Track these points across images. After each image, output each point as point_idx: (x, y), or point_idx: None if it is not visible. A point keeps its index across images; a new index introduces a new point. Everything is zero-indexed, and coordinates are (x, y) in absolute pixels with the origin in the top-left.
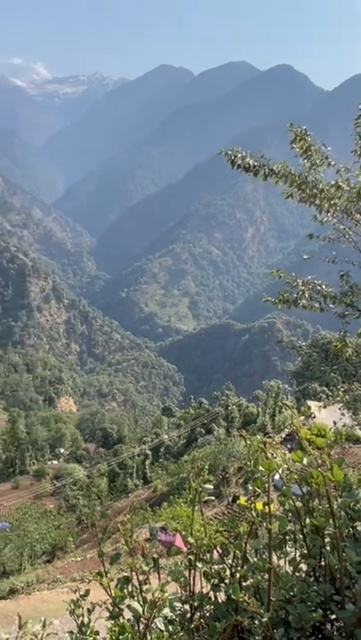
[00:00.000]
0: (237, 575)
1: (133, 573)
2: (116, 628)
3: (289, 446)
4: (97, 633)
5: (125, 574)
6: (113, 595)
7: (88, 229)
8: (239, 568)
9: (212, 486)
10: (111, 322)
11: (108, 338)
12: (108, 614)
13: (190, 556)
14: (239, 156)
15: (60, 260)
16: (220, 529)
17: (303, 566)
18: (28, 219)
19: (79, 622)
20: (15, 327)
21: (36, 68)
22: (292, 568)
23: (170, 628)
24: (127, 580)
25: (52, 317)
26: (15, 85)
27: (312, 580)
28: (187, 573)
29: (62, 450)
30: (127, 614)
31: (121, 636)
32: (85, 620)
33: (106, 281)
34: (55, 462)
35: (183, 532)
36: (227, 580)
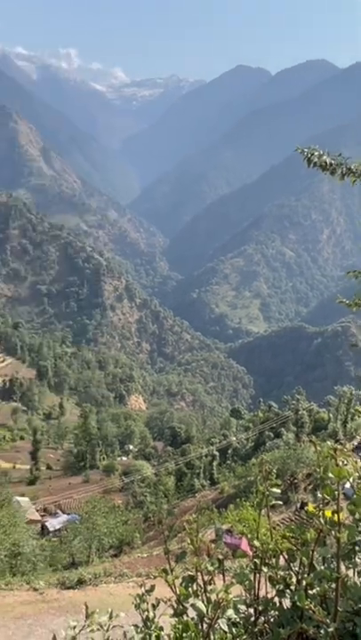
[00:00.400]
0: (304, 582)
1: (198, 573)
2: (180, 626)
3: None
4: (161, 629)
5: (190, 573)
6: (178, 592)
7: (162, 230)
8: (306, 575)
9: (279, 491)
10: (182, 322)
11: (179, 338)
12: (172, 611)
13: (256, 560)
14: (316, 153)
15: (134, 260)
16: (287, 535)
17: None
18: (104, 219)
19: (144, 617)
20: (89, 325)
21: (114, 72)
22: None
23: (233, 630)
24: (192, 579)
25: (124, 316)
26: (95, 90)
27: None
28: (252, 577)
29: (131, 447)
30: (191, 613)
31: (184, 634)
32: (150, 615)
33: (177, 281)
34: (124, 458)
35: (249, 536)
36: (292, 587)
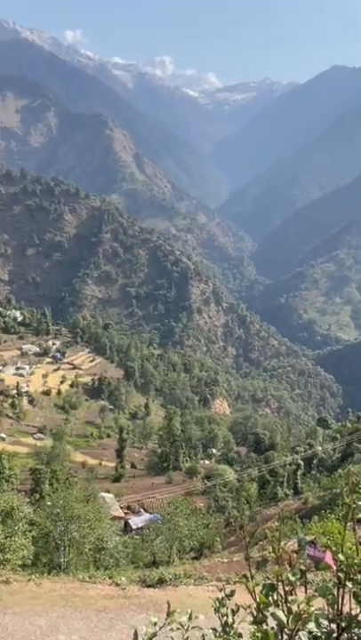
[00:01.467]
0: None
1: (280, 582)
2: (260, 634)
3: None
4: (240, 635)
5: (272, 582)
6: (258, 600)
7: (250, 234)
8: None
9: None
10: (268, 327)
11: (265, 343)
12: (251, 618)
13: (340, 574)
14: None
15: (221, 264)
16: None
17: None
18: (193, 223)
19: (223, 621)
20: (176, 328)
21: (208, 77)
22: None
23: None
24: (273, 588)
25: (210, 320)
26: (188, 96)
27: None
28: (335, 591)
29: (214, 450)
30: (270, 622)
31: None
32: (229, 620)
33: (265, 286)
34: (207, 462)
35: (334, 549)
36: None
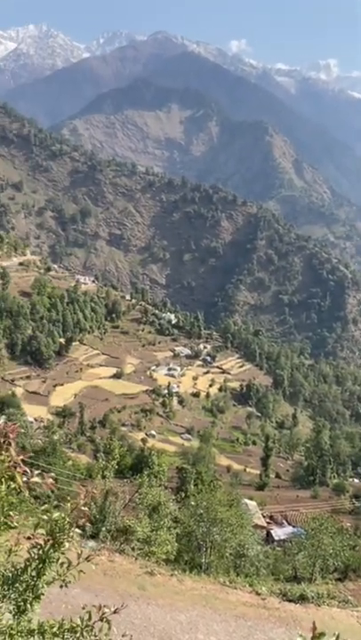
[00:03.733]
0: None
1: None
2: None
3: None
4: None
5: None
6: None
7: None
8: None
9: None
10: None
11: None
12: None
13: None
14: None
15: None
16: None
17: None
18: (352, 230)
19: None
20: (329, 338)
21: None
22: None
23: None
24: None
25: None
26: (353, 98)
27: None
28: None
29: None
30: None
31: None
32: None
33: None
34: (356, 480)
35: None
36: None
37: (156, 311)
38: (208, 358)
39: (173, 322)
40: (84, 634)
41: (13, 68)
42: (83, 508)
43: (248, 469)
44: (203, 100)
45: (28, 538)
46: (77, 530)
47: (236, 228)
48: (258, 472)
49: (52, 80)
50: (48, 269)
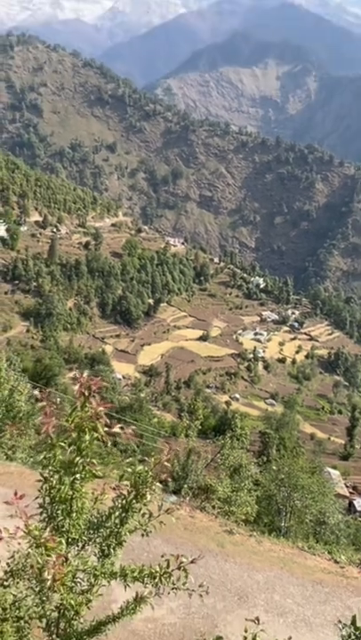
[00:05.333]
0: None
1: None
2: None
3: None
4: None
5: None
6: None
7: None
8: None
9: None
10: None
11: None
12: None
13: None
14: None
15: None
16: None
17: None
18: None
19: None
20: None
21: None
22: None
23: None
24: None
25: None
26: None
27: None
28: None
29: None
30: None
31: None
32: None
33: None
34: None
35: None
36: None
37: (245, 275)
38: (296, 324)
39: (262, 286)
40: (163, 580)
41: (110, 26)
42: (165, 463)
43: (333, 438)
44: (302, 55)
45: (114, 489)
46: (159, 484)
47: (331, 190)
48: (343, 442)
49: (148, 37)
50: (139, 231)
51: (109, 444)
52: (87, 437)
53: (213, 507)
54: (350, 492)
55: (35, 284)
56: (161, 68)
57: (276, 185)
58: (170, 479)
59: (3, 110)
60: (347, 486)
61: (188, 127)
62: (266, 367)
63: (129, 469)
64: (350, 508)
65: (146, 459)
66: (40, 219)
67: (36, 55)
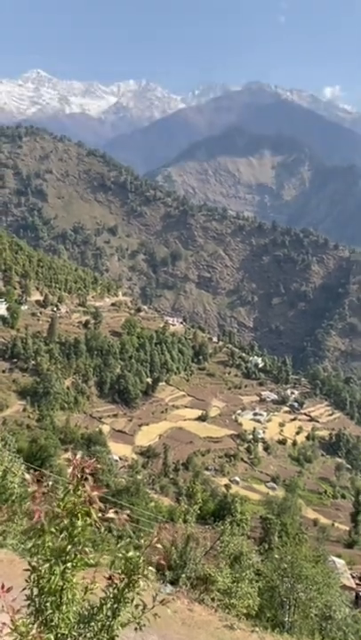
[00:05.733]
0: None
1: None
2: None
3: None
4: None
5: None
6: None
7: None
8: None
9: None
10: None
11: None
12: None
13: None
14: None
15: None
16: None
17: None
18: None
19: None
20: None
21: None
22: None
23: None
24: None
25: None
26: None
27: None
28: None
29: None
30: None
31: None
32: None
33: None
34: None
35: None
36: None
37: (243, 354)
38: (296, 404)
39: (260, 366)
40: None
41: (114, 120)
42: (157, 545)
43: (337, 524)
44: (295, 146)
45: (109, 578)
46: (153, 569)
47: (327, 272)
48: (347, 528)
49: (150, 130)
50: (138, 310)
51: (103, 529)
52: (80, 523)
53: (213, 599)
54: (357, 584)
55: (33, 362)
56: (161, 158)
57: (272, 267)
58: (166, 566)
59: (9, 195)
60: (353, 577)
61: (187, 212)
62: (266, 449)
63: (120, 555)
64: (357, 600)
65: (140, 543)
66: (41, 298)
67: (43, 145)
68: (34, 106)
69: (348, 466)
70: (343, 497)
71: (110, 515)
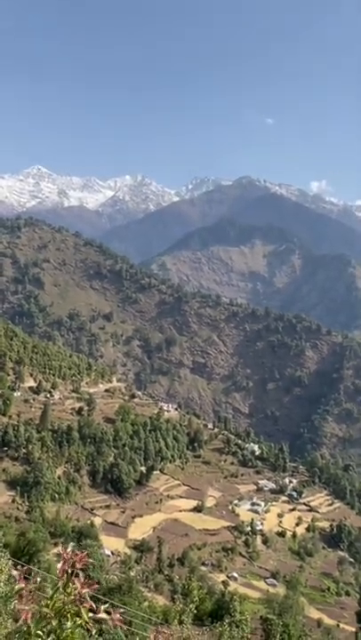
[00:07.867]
0: None
1: None
2: None
3: None
4: None
5: None
6: None
7: None
8: None
9: None
10: None
11: None
12: None
13: None
14: None
15: None
16: None
17: None
18: None
19: None
20: None
21: None
22: None
23: None
24: None
25: None
26: None
27: None
28: None
29: None
30: None
31: None
32: None
33: None
34: None
35: None
36: None
37: (239, 441)
38: (294, 494)
39: (257, 453)
40: None
41: (110, 212)
42: None
43: (342, 625)
44: (285, 236)
45: None
46: None
47: (321, 357)
48: (353, 629)
49: (144, 222)
50: (132, 396)
51: (94, 632)
52: (69, 625)
53: None
54: None
55: (24, 450)
56: (156, 248)
57: (267, 352)
58: None
59: (6, 283)
60: None
61: (182, 299)
62: (265, 541)
63: None
64: None
65: None
66: (34, 384)
67: (41, 235)
68: (34, 199)
69: (351, 559)
70: (348, 594)
71: (102, 615)
